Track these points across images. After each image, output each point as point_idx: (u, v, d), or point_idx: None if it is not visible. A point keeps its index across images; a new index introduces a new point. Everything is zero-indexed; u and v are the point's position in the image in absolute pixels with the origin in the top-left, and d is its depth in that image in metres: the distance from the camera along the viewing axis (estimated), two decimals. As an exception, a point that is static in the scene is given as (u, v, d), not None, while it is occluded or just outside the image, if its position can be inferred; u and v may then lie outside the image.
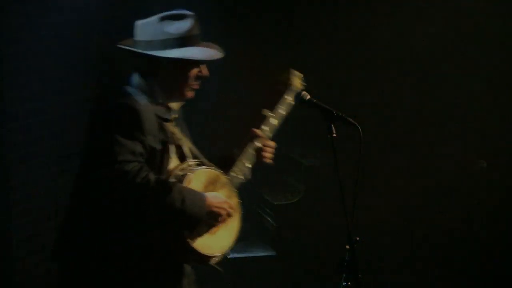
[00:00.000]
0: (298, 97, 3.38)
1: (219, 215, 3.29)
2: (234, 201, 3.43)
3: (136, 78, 3.31)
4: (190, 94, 3.36)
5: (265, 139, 3.60)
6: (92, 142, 3.18)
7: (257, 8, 5.87)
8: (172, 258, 3.29)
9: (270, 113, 3.62)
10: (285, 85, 3.76)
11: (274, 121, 3.63)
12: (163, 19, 3.29)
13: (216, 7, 5.77)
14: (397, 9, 5.96)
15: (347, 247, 3.08)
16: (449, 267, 5.90)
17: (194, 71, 3.32)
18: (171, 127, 3.31)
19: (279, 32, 6.07)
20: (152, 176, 3.07)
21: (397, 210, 6.03)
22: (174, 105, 3.38)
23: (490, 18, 5.82)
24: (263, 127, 3.61)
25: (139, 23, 3.34)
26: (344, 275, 3.10)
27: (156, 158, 3.20)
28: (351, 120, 3.25)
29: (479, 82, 5.91)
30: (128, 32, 6.39)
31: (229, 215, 3.33)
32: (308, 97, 3.38)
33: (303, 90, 3.50)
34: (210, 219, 3.26)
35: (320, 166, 5.45)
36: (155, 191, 3.06)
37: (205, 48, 3.34)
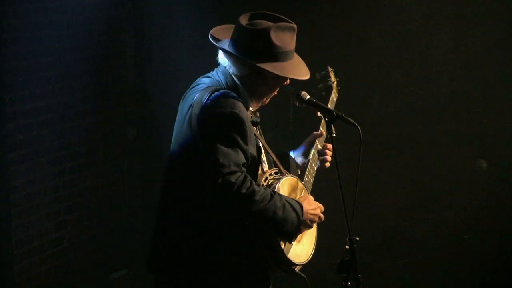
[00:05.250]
0: (298, 97, 3.37)
1: (314, 221, 3.30)
2: None
3: (223, 78, 3.26)
4: (268, 101, 3.37)
5: (323, 142, 3.61)
6: (195, 150, 3.12)
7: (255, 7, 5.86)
8: (266, 271, 3.28)
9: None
10: (326, 82, 3.76)
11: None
12: (270, 28, 3.18)
13: (215, 12, 5.77)
14: (397, 8, 5.96)
15: (347, 247, 3.08)
16: (449, 267, 5.90)
17: (282, 82, 3.32)
18: (257, 131, 3.30)
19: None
20: (255, 185, 3.07)
21: (397, 210, 6.03)
22: (252, 109, 3.35)
23: (489, 17, 5.82)
24: (321, 128, 3.61)
25: (243, 26, 3.20)
26: (344, 275, 3.09)
27: (253, 165, 3.19)
28: (351, 120, 3.24)
29: (479, 81, 5.91)
30: (128, 32, 6.41)
31: (320, 219, 3.34)
32: (308, 97, 3.37)
33: (302, 90, 3.48)
34: (306, 226, 3.26)
35: (320, 166, 5.45)
36: (260, 201, 3.05)
37: (299, 63, 3.31)
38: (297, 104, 3.40)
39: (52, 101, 5.40)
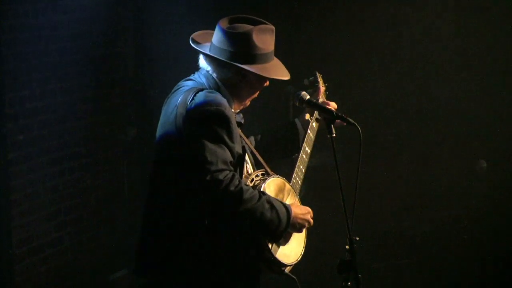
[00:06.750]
0: (298, 97, 3.38)
1: (303, 225, 3.30)
2: None
3: (206, 81, 3.27)
4: (249, 103, 3.39)
5: (311, 144, 3.61)
6: (181, 149, 3.12)
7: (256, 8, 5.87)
8: (254, 270, 3.28)
9: (310, 117, 3.64)
10: (314, 88, 3.79)
11: (315, 124, 3.65)
12: (252, 31, 3.23)
13: (215, 12, 5.76)
14: (397, 8, 5.95)
15: (347, 247, 3.08)
16: (448, 267, 5.90)
17: (263, 84, 3.34)
18: (240, 132, 3.31)
19: (279, 31, 6.06)
20: (243, 184, 3.07)
21: (397, 210, 6.02)
22: (234, 110, 3.36)
23: (490, 17, 5.82)
24: (309, 131, 3.63)
25: (224, 30, 3.25)
26: (344, 276, 3.09)
27: (238, 165, 3.19)
28: (351, 120, 3.24)
29: (479, 81, 5.90)
30: (128, 32, 6.40)
31: (309, 224, 3.34)
32: (308, 97, 3.38)
33: (303, 90, 3.49)
34: (294, 229, 3.27)
35: (320, 166, 5.45)
36: (248, 200, 3.05)
37: (279, 64, 3.34)
38: (297, 104, 3.41)
39: (52, 101, 5.40)
